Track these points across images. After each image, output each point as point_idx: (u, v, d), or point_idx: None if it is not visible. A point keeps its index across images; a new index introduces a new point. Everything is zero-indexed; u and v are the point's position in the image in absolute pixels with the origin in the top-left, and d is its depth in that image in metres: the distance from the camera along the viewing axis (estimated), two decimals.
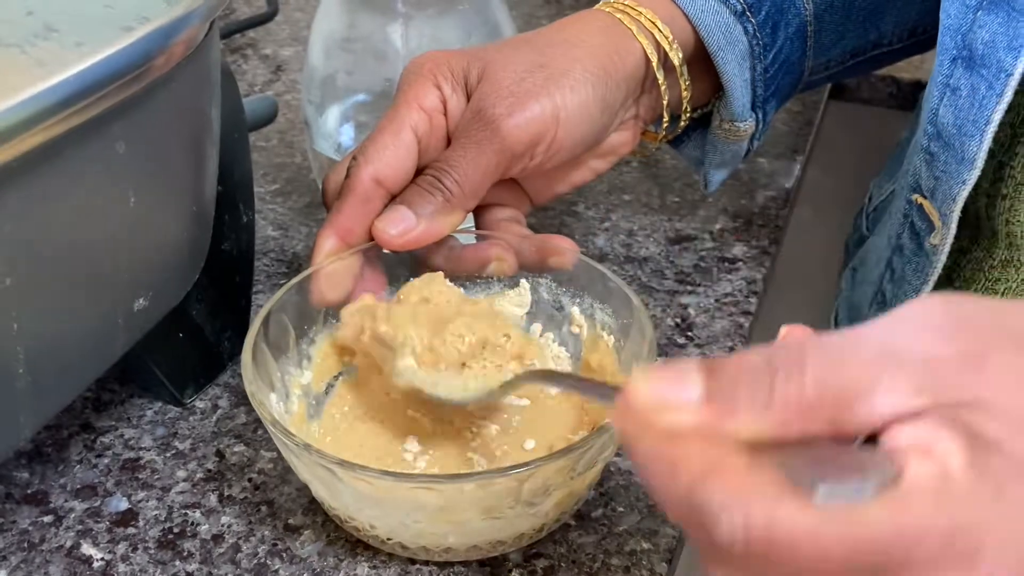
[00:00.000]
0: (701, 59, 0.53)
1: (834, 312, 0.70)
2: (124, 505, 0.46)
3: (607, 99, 0.50)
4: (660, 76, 0.52)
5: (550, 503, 0.41)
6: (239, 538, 0.44)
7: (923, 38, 0.61)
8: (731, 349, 0.55)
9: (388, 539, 0.42)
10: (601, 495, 0.46)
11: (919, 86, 0.88)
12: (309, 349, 0.48)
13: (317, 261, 0.47)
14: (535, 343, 0.49)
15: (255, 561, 0.43)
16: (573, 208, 0.66)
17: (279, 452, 0.48)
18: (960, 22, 0.47)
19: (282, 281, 0.52)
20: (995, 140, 0.47)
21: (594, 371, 0.48)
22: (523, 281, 0.50)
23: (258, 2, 0.93)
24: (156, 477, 0.47)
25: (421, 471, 0.45)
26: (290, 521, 0.45)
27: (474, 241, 0.51)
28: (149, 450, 0.49)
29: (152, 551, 0.44)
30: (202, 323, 0.51)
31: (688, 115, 0.55)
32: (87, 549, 0.44)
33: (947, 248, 0.51)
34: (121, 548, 0.44)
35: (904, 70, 0.88)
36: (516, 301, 0.50)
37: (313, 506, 0.46)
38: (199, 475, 0.47)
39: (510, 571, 0.43)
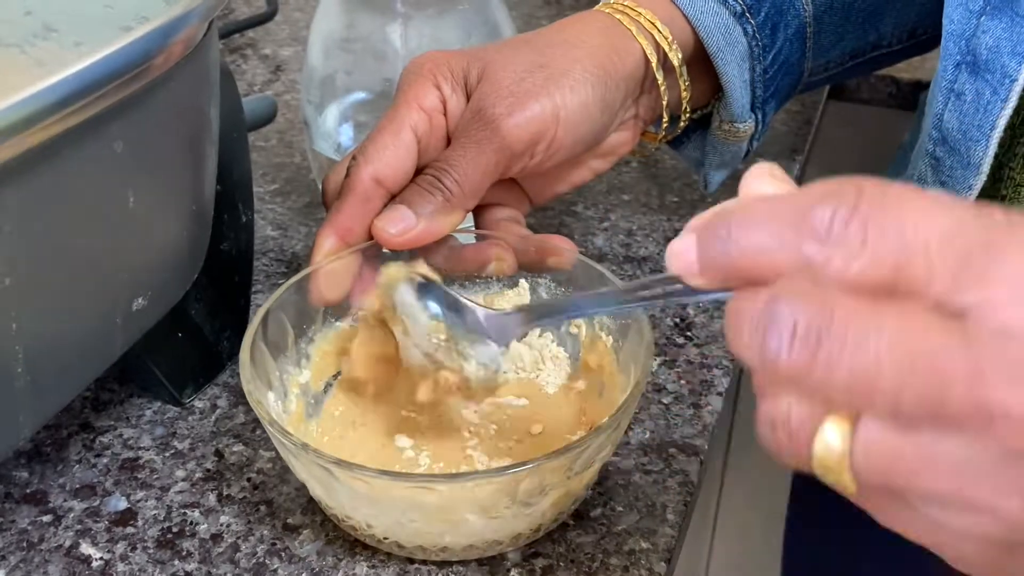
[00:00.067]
0: (701, 60, 0.53)
1: None
2: (123, 505, 0.46)
3: (607, 99, 0.50)
4: (660, 77, 0.52)
5: (547, 503, 0.41)
6: (238, 537, 0.44)
7: (922, 39, 0.61)
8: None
9: (385, 538, 0.42)
10: (600, 494, 0.46)
11: (918, 86, 0.88)
12: (308, 348, 0.48)
13: (316, 260, 0.47)
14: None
15: (254, 560, 0.43)
16: (572, 208, 0.66)
17: (278, 451, 0.48)
18: (964, 27, 0.47)
19: (281, 281, 0.52)
20: (997, 142, 0.47)
21: (593, 371, 0.48)
22: (522, 281, 0.50)
23: (257, 2, 0.93)
24: (155, 477, 0.47)
25: (421, 470, 0.45)
26: (289, 521, 0.45)
27: (473, 241, 0.51)
28: (148, 450, 0.49)
29: (151, 550, 0.44)
30: (201, 323, 0.51)
31: (688, 116, 0.55)
32: (86, 549, 0.44)
33: None
34: (120, 548, 0.44)
35: (903, 70, 0.88)
36: (515, 301, 0.50)
37: (312, 505, 0.46)
38: (198, 475, 0.48)
39: (509, 571, 0.43)
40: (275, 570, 0.43)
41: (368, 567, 0.43)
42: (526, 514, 0.41)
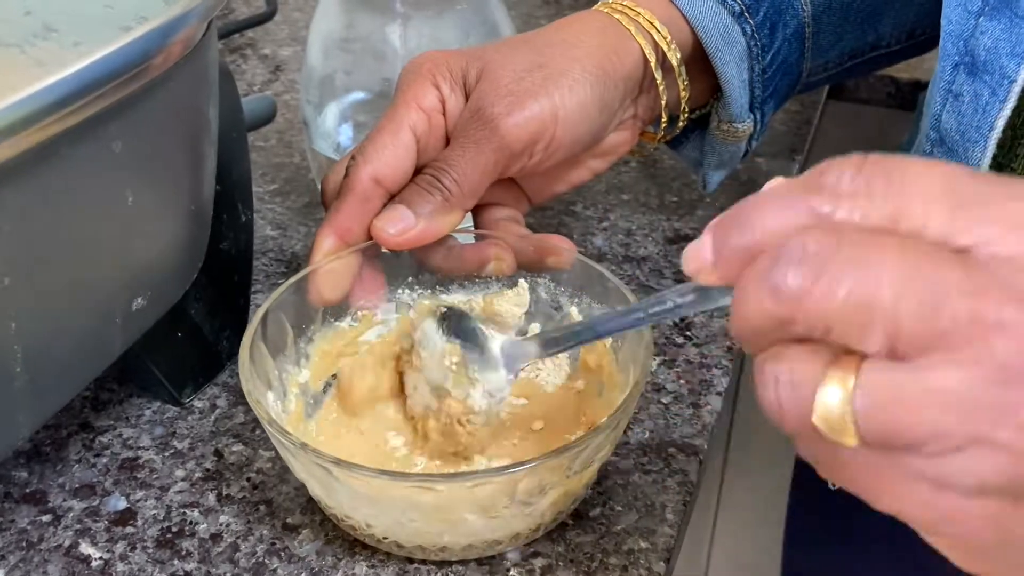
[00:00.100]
0: (699, 60, 0.53)
1: None
2: (122, 504, 0.46)
3: (605, 99, 0.50)
4: (658, 76, 0.52)
5: (546, 503, 0.41)
6: (237, 537, 0.44)
7: (921, 40, 0.61)
8: (729, 349, 0.55)
9: (384, 538, 0.42)
10: (599, 494, 0.46)
11: (918, 86, 0.88)
12: (307, 348, 0.48)
13: (316, 260, 0.47)
14: None
15: (253, 560, 0.43)
16: (571, 208, 0.66)
17: (277, 451, 0.48)
18: (962, 28, 0.47)
19: (280, 281, 0.52)
20: (996, 143, 0.47)
21: (592, 371, 0.48)
22: (522, 281, 0.50)
23: (257, 2, 0.93)
24: (154, 476, 0.47)
25: (418, 469, 0.45)
26: (288, 520, 0.45)
27: (473, 241, 0.51)
28: (147, 449, 0.49)
29: (150, 550, 0.44)
30: (200, 323, 0.51)
31: (686, 116, 0.55)
32: (85, 548, 0.44)
33: None
34: (119, 547, 0.44)
35: (903, 70, 0.88)
36: (514, 301, 0.50)
37: (311, 505, 0.46)
38: (197, 474, 0.48)
39: (508, 570, 0.43)
40: (274, 570, 0.43)
41: (367, 567, 0.43)
42: (525, 514, 0.41)
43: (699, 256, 0.28)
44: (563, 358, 0.50)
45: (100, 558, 0.44)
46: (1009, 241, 0.24)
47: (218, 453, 0.49)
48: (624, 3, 0.52)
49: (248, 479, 0.47)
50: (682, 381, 0.53)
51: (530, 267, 0.50)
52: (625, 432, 0.49)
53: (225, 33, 0.85)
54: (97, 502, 0.46)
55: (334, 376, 0.49)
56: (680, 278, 0.60)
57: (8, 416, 0.37)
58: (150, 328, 0.44)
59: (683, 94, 0.54)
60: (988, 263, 0.24)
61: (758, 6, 0.53)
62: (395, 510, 0.40)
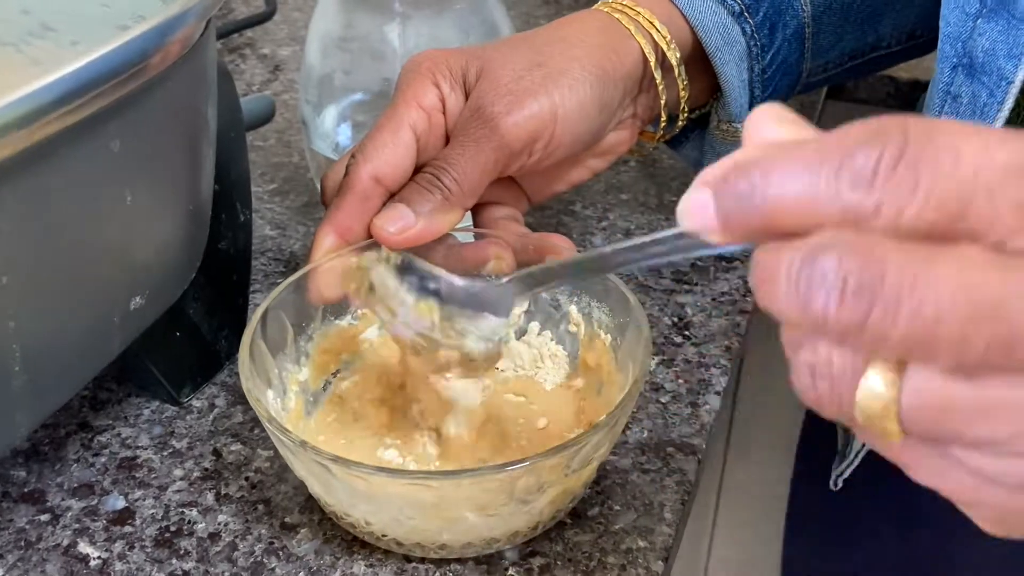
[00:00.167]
0: (699, 59, 0.53)
1: None
2: (121, 504, 0.46)
3: (605, 98, 0.50)
4: (658, 76, 0.52)
5: (544, 500, 0.41)
6: (236, 536, 0.44)
7: (921, 41, 0.61)
8: (728, 348, 0.55)
9: (383, 536, 0.42)
10: (597, 493, 0.46)
11: (917, 86, 0.88)
12: (307, 346, 0.48)
13: (315, 258, 0.47)
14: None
15: (252, 559, 0.43)
16: (571, 207, 0.66)
17: (276, 451, 0.48)
18: (960, 30, 0.47)
19: (279, 280, 0.53)
20: None
21: (591, 370, 0.48)
22: None
23: (256, 2, 0.93)
24: (153, 476, 0.47)
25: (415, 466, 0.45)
26: (287, 519, 0.45)
27: (472, 239, 0.51)
28: (146, 449, 0.49)
29: (149, 549, 0.44)
30: (199, 322, 0.51)
31: (686, 115, 0.55)
32: (84, 547, 0.44)
33: None
34: (118, 547, 0.44)
35: (902, 70, 0.88)
36: None
37: (310, 504, 0.46)
38: (196, 474, 0.48)
39: (506, 569, 0.43)
40: (273, 569, 0.43)
41: (366, 566, 0.43)
42: (524, 512, 0.41)
43: (701, 214, 0.26)
44: (562, 356, 0.50)
45: (98, 557, 0.44)
46: None
47: (216, 452, 0.49)
48: (624, 2, 0.52)
49: (246, 478, 0.47)
50: (681, 380, 0.52)
51: (529, 265, 0.50)
52: (624, 431, 0.49)
53: (224, 33, 0.85)
54: (95, 501, 0.46)
55: (334, 374, 0.49)
56: (678, 277, 0.60)
57: (6, 415, 0.37)
58: (148, 327, 0.44)
59: (682, 94, 0.54)
60: None
61: (758, 6, 0.53)
62: (393, 507, 0.40)
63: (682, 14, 0.52)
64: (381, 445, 0.46)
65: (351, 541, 0.44)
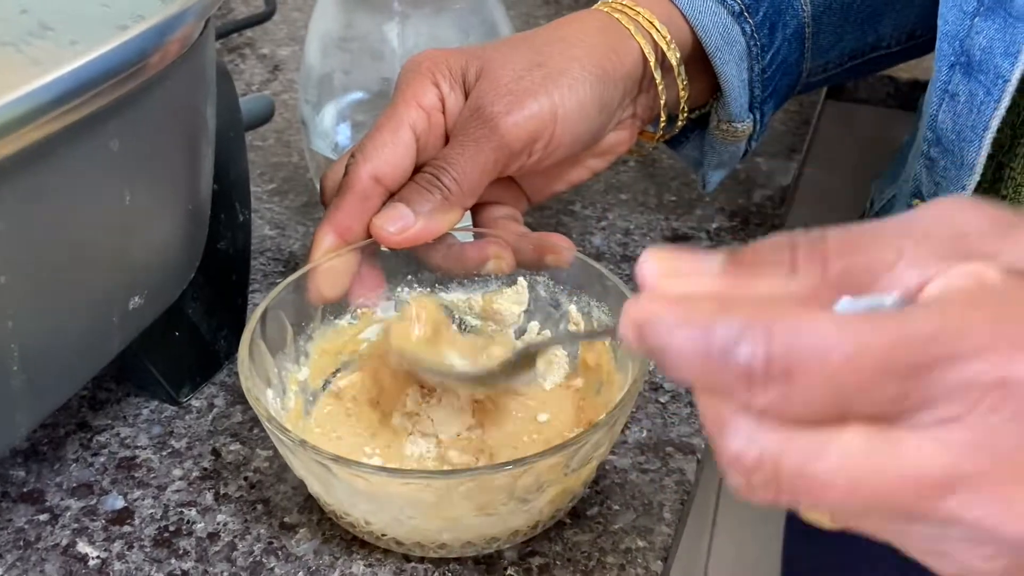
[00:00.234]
0: (699, 59, 0.53)
1: None
2: (120, 503, 0.46)
3: (604, 98, 0.50)
4: (657, 76, 0.52)
5: (544, 500, 0.41)
6: (235, 536, 0.44)
7: (921, 41, 0.61)
8: None
9: (383, 535, 0.42)
10: (596, 493, 0.46)
11: (917, 85, 0.88)
12: (307, 346, 0.48)
13: (315, 258, 0.47)
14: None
15: (251, 559, 0.43)
16: (570, 207, 0.66)
17: (275, 450, 0.48)
18: (957, 28, 0.47)
19: (279, 280, 0.52)
20: (995, 141, 0.47)
21: (591, 369, 0.48)
22: (521, 279, 0.50)
23: (255, 1, 0.93)
24: (152, 476, 0.47)
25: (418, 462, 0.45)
26: (286, 519, 0.45)
27: (472, 239, 0.51)
28: (145, 448, 0.49)
29: (148, 549, 0.44)
30: (198, 322, 0.51)
31: (686, 115, 0.55)
32: (83, 547, 0.44)
33: None
34: (117, 546, 0.44)
35: (902, 69, 0.88)
36: (514, 299, 0.50)
37: (309, 504, 0.46)
38: (195, 473, 0.47)
39: (505, 569, 0.43)
40: (272, 569, 0.43)
41: (365, 566, 0.43)
42: (524, 511, 0.41)
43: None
44: (562, 356, 0.50)
45: (97, 557, 0.44)
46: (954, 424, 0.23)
47: (216, 452, 0.49)
48: (624, 2, 0.52)
49: (245, 478, 0.47)
50: None
51: (529, 265, 0.50)
52: (623, 431, 0.49)
53: (223, 33, 0.85)
54: (94, 501, 0.46)
55: (334, 374, 0.49)
56: None
57: (5, 415, 0.37)
58: (148, 327, 0.44)
59: (682, 94, 0.54)
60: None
61: (758, 6, 0.53)
62: (393, 507, 0.40)
63: (682, 14, 0.52)
64: (367, 445, 0.46)
65: (350, 541, 0.44)
